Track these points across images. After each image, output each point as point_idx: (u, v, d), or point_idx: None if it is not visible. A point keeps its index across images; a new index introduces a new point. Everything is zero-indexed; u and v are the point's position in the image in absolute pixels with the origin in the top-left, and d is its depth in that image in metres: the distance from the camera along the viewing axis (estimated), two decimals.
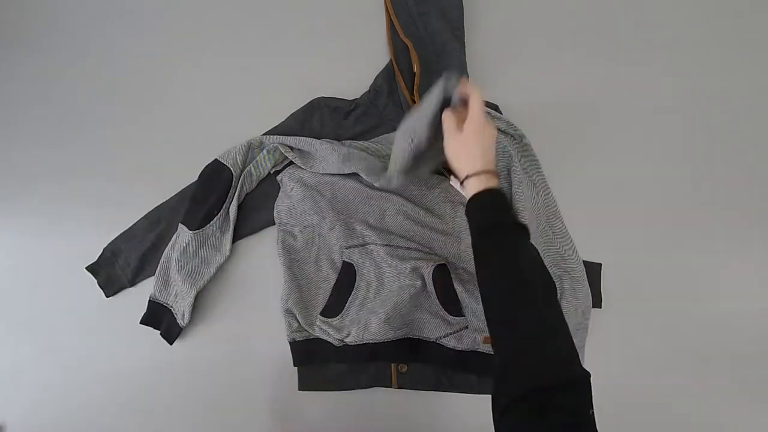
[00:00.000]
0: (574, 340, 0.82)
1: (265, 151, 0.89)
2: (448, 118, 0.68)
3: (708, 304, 0.88)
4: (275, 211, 0.89)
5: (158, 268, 0.87)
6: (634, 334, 0.88)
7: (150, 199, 0.92)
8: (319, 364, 0.86)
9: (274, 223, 0.89)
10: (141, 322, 0.87)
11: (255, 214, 0.90)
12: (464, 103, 0.68)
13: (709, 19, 0.95)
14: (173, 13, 0.99)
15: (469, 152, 0.65)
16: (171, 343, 0.87)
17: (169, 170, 0.93)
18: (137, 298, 0.90)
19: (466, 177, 0.65)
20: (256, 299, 0.90)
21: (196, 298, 0.86)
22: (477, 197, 0.63)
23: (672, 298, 0.89)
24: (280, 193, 0.89)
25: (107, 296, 0.91)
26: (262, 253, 0.91)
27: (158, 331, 0.87)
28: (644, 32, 0.95)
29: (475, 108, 0.66)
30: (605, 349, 0.87)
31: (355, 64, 0.93)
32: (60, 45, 0.99)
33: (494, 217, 0.62)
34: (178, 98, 0.96)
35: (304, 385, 0.87)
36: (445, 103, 0.69)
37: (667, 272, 0.89)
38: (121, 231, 0.91)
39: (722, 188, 0.91)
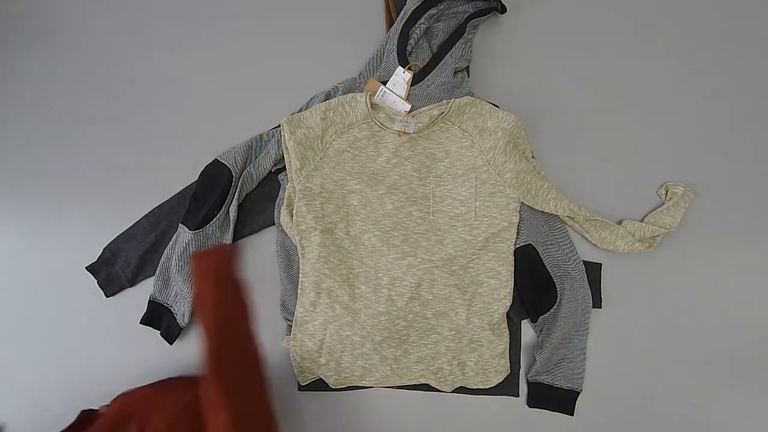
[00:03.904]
0: (575, 341, 0.84)
1: (265, 151, 0.89)
2: None
3: (708, 303, 0.88)
4: (275, 211, 0.89)
5: (158, 268, 0.87)
6: (634, 334, 0.88)
7: (150, 199, 0.92)
8: None
9: (274, 224, 0.89)
10: (141, 322, 0.87)
11: (255, 214, 0.90)
12: None
13: (711, 19, 0.95)
14: (173, 13, 0.99)
15: None
16: (171, 343, 0.87)
17: (169, 170, 0.93)
18: (137, 298, 0.90)
19: None
20: (255, 299, 0.89)
21: None
22: None
23: (672, 299, 0.89)
24: (280, 193, 0.89)
25: (107, 296, 0.91)
26: (262, 253, 0.90)
27: (158, 331, 0.87)
28: (645, 32, 0.94)
29: None
30: (605, 349, 0.87)
31: (354, 63, 0.93)
32: (60, 45, 0.99)
33: None
34: (177, 98, 0.96)
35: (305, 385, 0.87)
36: None
37: (667, 272, 0.89)
38: (121, 231, 0.91)
39: (723, 188, 0.91)
